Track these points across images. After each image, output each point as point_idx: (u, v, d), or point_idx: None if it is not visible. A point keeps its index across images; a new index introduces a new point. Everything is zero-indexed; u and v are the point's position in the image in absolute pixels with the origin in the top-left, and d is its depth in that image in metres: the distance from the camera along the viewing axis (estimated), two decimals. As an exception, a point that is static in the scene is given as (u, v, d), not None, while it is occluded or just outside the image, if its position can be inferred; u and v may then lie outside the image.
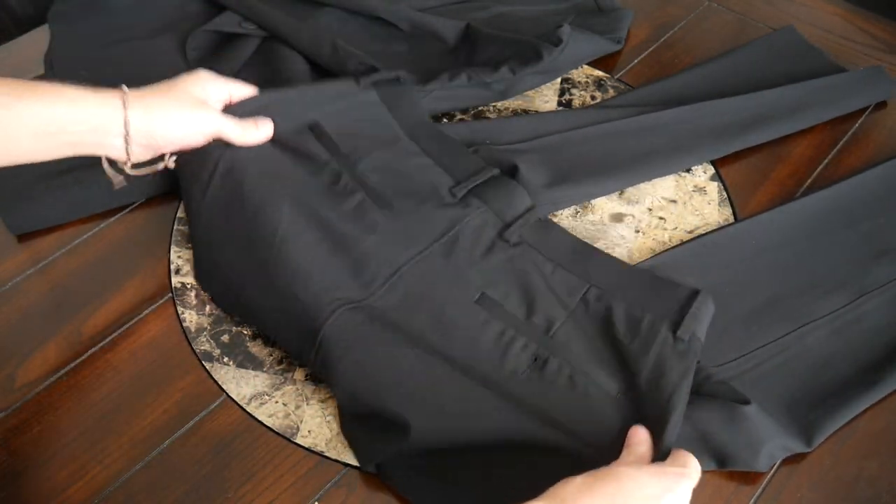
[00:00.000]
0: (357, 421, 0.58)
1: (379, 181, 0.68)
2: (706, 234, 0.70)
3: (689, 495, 0.49)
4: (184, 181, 0.70)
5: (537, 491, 0.51)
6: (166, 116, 0.61)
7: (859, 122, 0.81)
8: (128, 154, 0.60)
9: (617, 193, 0.75)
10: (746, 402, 0.55)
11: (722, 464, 0.56)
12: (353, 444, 0.58)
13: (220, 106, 0.67)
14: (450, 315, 0.61)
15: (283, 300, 0.62)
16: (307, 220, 0.65)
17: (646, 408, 0.56)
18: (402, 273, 0.63)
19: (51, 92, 0.57)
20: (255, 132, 0.67)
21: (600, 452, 0.54)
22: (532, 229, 0.65)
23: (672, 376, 0.56)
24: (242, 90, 0.69)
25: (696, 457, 0.55)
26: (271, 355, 0.64)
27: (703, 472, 0.57)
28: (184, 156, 0.67)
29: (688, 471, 0.50)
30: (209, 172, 0.68)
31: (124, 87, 0.60)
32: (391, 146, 0.71)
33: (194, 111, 0.63)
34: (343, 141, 0.71)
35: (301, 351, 0.61)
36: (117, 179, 0.64)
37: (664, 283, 0.62)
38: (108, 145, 0.60)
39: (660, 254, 0.69)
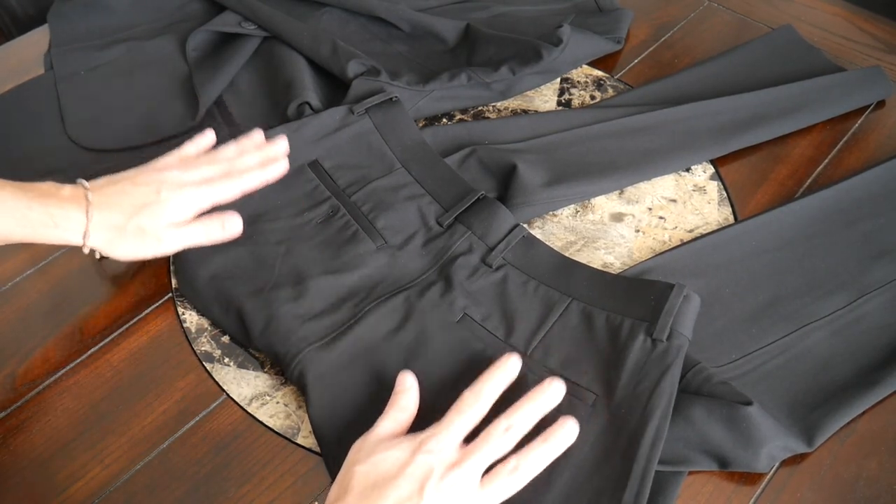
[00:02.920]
0: (330, 442, 0.58)
1: (373, 214, 0.69)
2: (706, 234, 0.70)
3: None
4: None
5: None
6: (123, 249, 0.62)
7: (859, 122, 0.81)
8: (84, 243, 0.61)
9: (617, 193, 0.75)
10: (748, 402, 0.54)
11: (723, 464, 0.56)
12: (328, 464, 0.58)
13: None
14: (430, 335, 0.61)
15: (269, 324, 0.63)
16: (305, 253, 0.67)
17: (624, 414, 0.55)
18: (387, 300, 0.63)
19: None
20: (221, 233, 0.65)
21: (574, 462, 0.54)
22: (515, 249, 0.66)
23: (650, 379, 0.56)
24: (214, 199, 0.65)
25: (697, 457, 0.56)
26: (271, 355, 0.64)
27: (704, 472, 0.57)
28: None
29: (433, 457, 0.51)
30: None
31: (88, 214, 0.60)
32: (385, 176, 0.72)
33: (154, 247, 0.62)
34: (340, 175, 0.73)
35: (281, 367, 0.62)
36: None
37: (643, 284, 0.61)
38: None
39: (660, 254, 0.69)
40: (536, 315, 0.62)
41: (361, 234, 0.68)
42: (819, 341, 0.63)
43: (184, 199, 0.63)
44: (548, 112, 0.82)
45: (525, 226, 0.69)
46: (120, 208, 0.61)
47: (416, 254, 0.67)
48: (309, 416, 0.59)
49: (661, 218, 0.73)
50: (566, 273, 0.64)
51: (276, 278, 0.65)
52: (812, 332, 0.64)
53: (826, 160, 0.78)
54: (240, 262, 0.67)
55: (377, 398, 0.59)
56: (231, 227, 0.65)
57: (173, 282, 0.69)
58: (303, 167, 0.73)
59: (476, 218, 0.68)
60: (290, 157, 0.73)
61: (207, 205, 0.64)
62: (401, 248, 0.67)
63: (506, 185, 0.72)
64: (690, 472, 0.57)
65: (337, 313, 0.63)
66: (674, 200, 0.74)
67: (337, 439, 0.57)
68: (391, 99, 0.77)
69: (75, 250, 0.70)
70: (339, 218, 0.70)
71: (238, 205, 0.70)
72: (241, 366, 0.63)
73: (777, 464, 0.57)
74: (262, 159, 0.68)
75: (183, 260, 0.68)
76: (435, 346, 0.61)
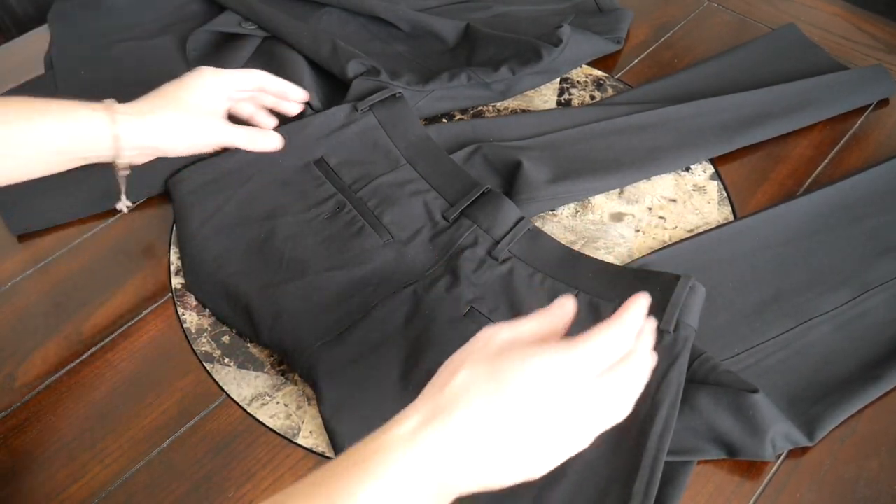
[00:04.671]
0: (341, 437, 0.58)
1: (379, 210, 0.69)
2: (710, 230, 0.70)
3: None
4: (182, 208, 0.71)
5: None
6: (163, 131, 0.61)
7: (859, 121, 0.81)
8: (124, 162, 0.61)
9: (617, 193, 0.75)
10: (754, 390, 0.55)
11: (731, 453, 0.56)
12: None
13: (226, 105, 0.66)
14: (437, 329, 0.61)
15: (279, 318, 0.63)
16: (312, 248, 0.67)
17: (633, 406, 0.56)
18: (395, 295, 0.64)
19: (40, 109, 0.57)
20: (264, 140, 0.65)
21: (584, 453, 0.54)
22: (521, 241, 0.66)
23: (658, 370, 0.56)
24: (247, 79, 0.67)
25: (705, 447, 0.56)
26: (272, 356, 0.64)
27: (711, 462, 0.57)
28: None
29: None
30: (217, 204, 0.71)
31: (113, 102, 0.59)
32: (391, 172, 0.72)
33: (194, 123, 0.62)
34: (345, 171, 0.73)
35: (291, 363, 0.62)
36: (121, 205, 0.66)
37: (649, 275, 0.61)
38: (104, 157, 0.60)
39: (662, 249, 0.69)
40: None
41: (368, 230, 0.68)
42: (822, 336, 0.63)
43: (218, 72, 0.65)
44: (551, 110, 0.82)
45: (526, 222, 0.69)
46: (155, 96, 0.62)
47: (422, 248, 0.67)
48: (320, 412, 0.59)
49: (661, 218, 0.73)
50: (572, 265, 0.64)
51: (283, 273, 0.65)
52: (815, 327, 0.64)
53: (826, 160, 0.78)
54: (247, 258, 0.67)
55: (386, 392, 0.59)
56: (273, 136, 0.66)
57: (173, 282, 0.69)
58: (308, 164, 0.73)
59: (481, 211, 0.68)
60: (296, 154, 0.73)
61: (240, 86, 0.66)
62: (407, 243, 0.67)
63: (510, 181, 0.72)
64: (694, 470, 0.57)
65: (345, 308, 0.63)
66: (674, 200, 0.74)
67: (347, 434, 0.57)
68: (395, 95, 0.77)
69: (75, 250, 0.71)
70: (346, 213, 0.70)
71: (246, 202, 0.71)
72: (241, 366, 0.63)
73: (779, 459, 0.57)
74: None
75: (191, 256, 0.68)
76: (442, 339, 0.61)
